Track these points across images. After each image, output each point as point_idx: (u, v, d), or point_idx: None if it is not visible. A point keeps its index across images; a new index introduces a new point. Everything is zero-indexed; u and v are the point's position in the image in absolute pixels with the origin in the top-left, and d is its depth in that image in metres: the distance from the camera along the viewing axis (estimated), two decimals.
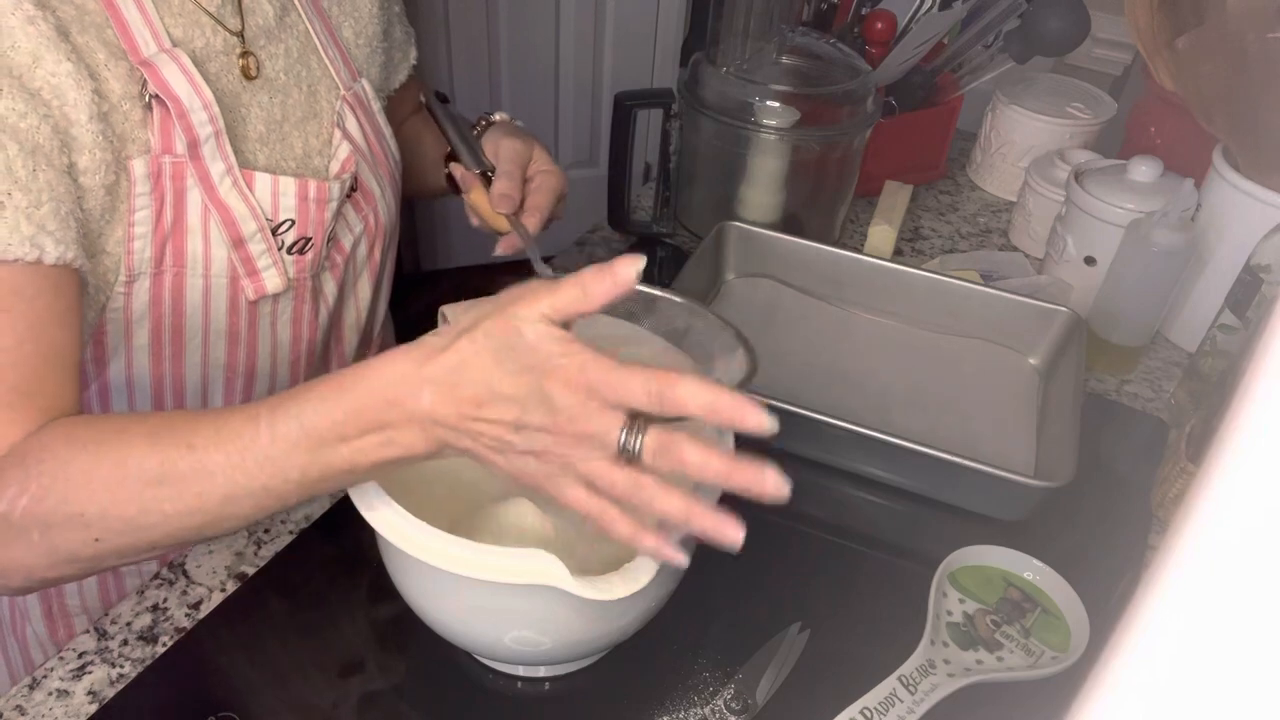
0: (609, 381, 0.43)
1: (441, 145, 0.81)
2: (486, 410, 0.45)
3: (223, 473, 0.49)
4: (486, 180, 0.73)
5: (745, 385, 0.56)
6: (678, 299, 0.63)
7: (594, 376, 0.43)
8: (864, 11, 1.18)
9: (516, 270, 0.56)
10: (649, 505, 0.44)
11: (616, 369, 0.43)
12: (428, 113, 0.80)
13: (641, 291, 0.63)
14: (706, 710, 0.62)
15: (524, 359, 0.44)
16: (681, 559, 0.46)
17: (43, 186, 0.52)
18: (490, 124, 0.81)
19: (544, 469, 0.46)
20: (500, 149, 0.75)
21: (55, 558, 0.51)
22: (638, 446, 0.43)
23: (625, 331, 0.64)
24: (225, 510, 0.50)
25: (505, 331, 0.44)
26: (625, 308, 0.63)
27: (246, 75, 0.63)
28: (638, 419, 0.44)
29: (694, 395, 0.43)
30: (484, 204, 0.73)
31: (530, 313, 0.44)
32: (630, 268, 0.44)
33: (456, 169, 0.77)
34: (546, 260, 0.68)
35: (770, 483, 0.43)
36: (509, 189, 0.72)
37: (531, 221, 0.72)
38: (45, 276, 0.53)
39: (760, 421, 0.43)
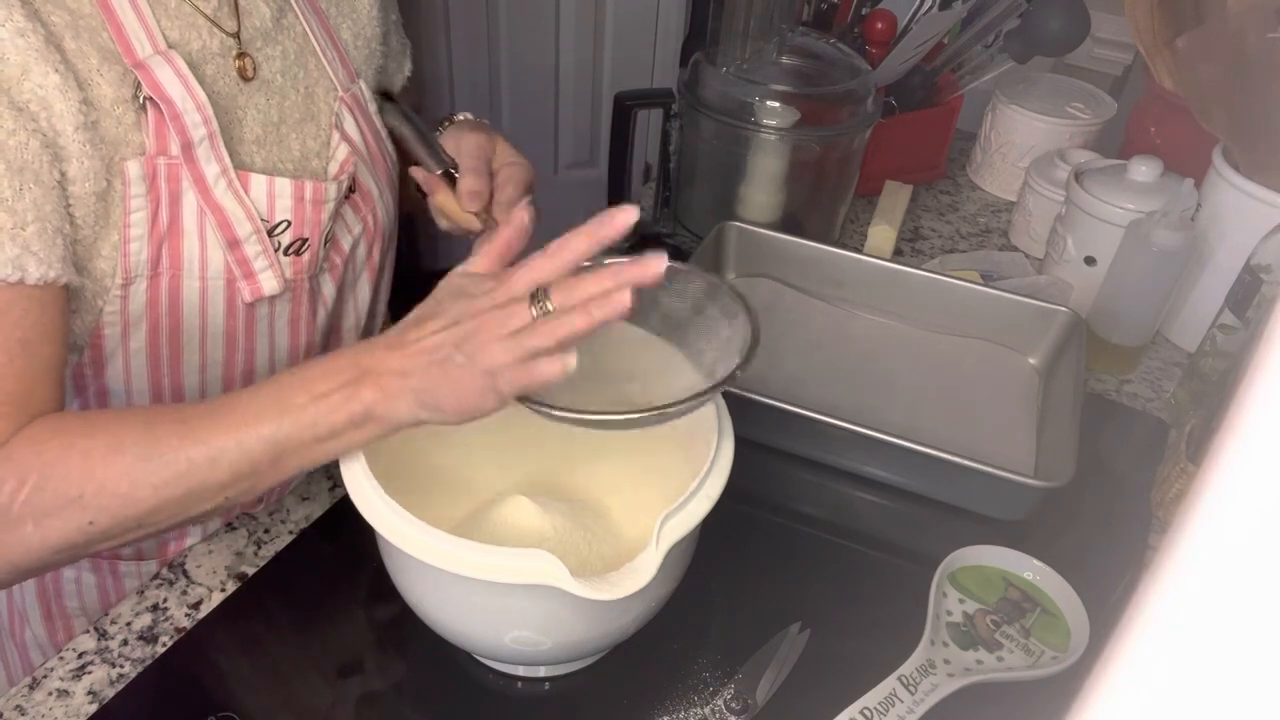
0: (511, 271, 0.52)
1: (407, 156, 0.79)
2: (420, 330, 0.52)
3: (205, 435, 0.53)
4: (451, 180, 0.70)
5: (751, 354, 0.56)
6: (680, 266, 0.61)
7: (502, 276, 0.53)
8: (864, 11, 1.18)
9: None
10: (569, 327, 0.49)
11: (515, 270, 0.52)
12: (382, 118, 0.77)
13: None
14: (706, 710, 0.62)
15: (447, 292, 0.54)
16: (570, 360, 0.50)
17: (28, 206, 0.53)
18: (452, 123, 0.79)
19: (472, 354, 0.50)
20: (462, 145, 0.73)
21: (47, 548, 0.53)
22: (545, 299, 0.50)
23: (621, 331, 0.64)
24: (208, 476, 0.53)
25: (439, 287, 0.54)
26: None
27: (243, 77, 0.63)
28: (538, 290, 0.51)
29: (579, 242, 0.51)
30: (451, 204, 0.70)
31: (458, 269, 0.55)
32: (522, 216, 0.56)
33: (418, 172, 0.73)
34: None
35: (651, 264, 0.50)
36: (476, 185, 0.69)
37: (503, 217, 0.71)
38: (29, 296, 0.54)
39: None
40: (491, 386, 0.50)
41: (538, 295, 0.50)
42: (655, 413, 0.53)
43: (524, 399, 0.53)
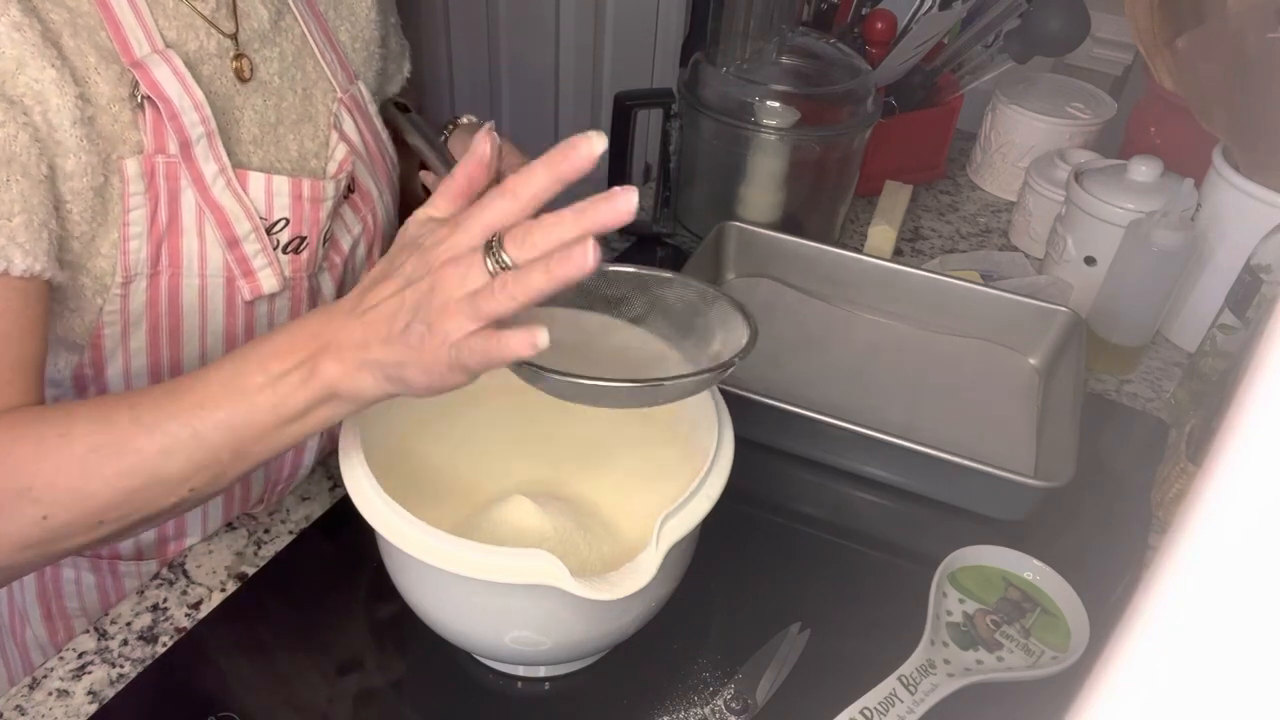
0: (466, 215, 0.47)
1: (411, 160, 0.79)
2: (378, 292, 0.48)
3: (158, 424, 0.51)
4: None
5: (748, 352, 0.55)
6: (667, 275, 0.61)
7: (456, 222, 0.48)
8: (864, 11, 1.18)
9: None
10: (526, 289, 0.44)
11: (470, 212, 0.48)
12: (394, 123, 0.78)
13: (632, 272, 0.62)
14: (706, 710, 0.62)
15: (402, 244, 0.50)
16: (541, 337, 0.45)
17: (15, 198, 0.52)
18: (457, 126, 0.79)
19: (430, 322, 0.46)
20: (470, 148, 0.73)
21: (9, 545, 0.51)
22: (500, 250, 0.45)
23: (604, 323, 0.63)
24: (161, 467, 0.51)
25: (398, 235, 0.51)
26: (618, 291, 0.62)
27: (240, 78, 0.63)
28: (493, 238, 0.46)
29: (538, 178, 0.46)
30: None
31: (417, 211, 0.51)
32: (485, 143, 0.51)
33: (428, 177, 0.74)
34: None
35: (618, 201, 0.44)
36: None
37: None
38: (13, 288, 0.53)
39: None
40: (457, 362, 0.46)
41: (492, 245, 0.45)
42: (650, 384, 0.52)
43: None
